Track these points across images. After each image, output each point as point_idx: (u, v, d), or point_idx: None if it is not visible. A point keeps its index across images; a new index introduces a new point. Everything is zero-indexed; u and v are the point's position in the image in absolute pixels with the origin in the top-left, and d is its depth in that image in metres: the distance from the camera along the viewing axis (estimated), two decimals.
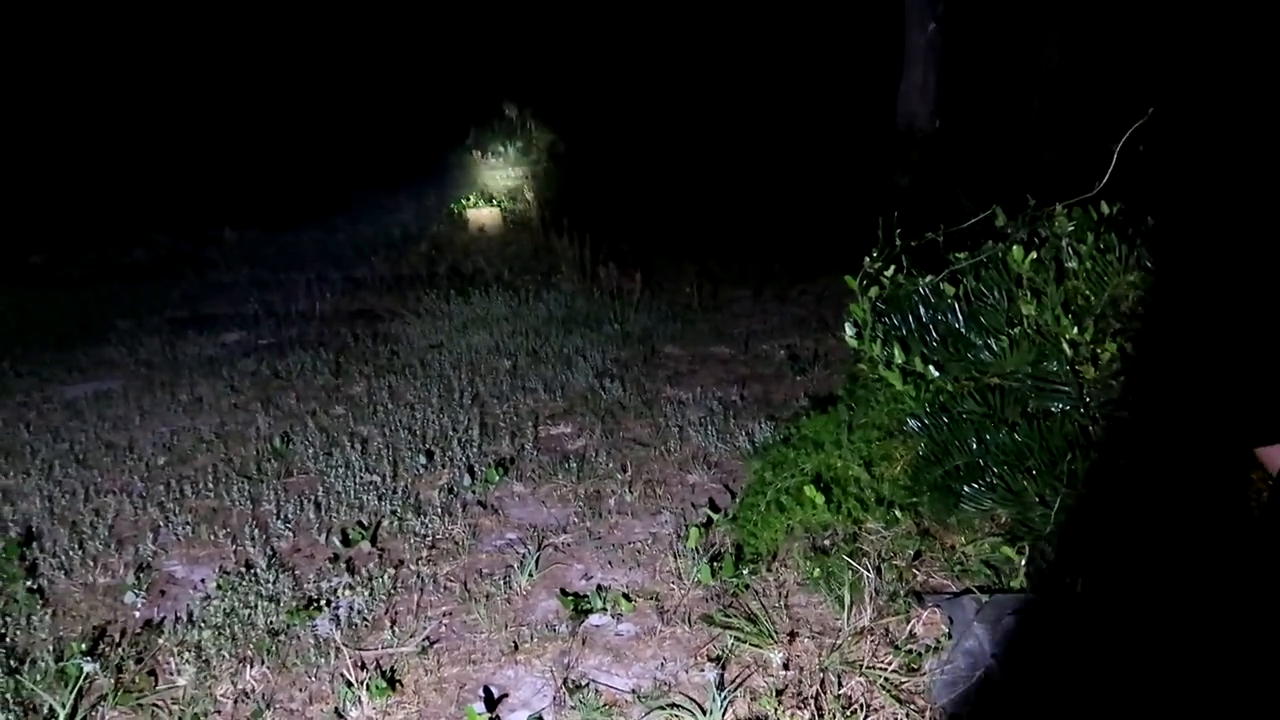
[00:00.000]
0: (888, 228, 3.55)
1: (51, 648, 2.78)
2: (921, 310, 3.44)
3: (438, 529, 3.58)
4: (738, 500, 3.56)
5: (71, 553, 3.39)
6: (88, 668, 2.44)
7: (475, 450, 4.34)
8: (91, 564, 3.35)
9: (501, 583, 3.17)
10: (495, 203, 11.29)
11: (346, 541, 3.47)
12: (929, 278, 3.47)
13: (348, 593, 3.07)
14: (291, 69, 14.71)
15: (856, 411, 3.53)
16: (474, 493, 3.92)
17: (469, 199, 11.37)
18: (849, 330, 3.48)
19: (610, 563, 3.31)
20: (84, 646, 2.75)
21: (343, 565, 3.30)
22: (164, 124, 14.00)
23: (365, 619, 2.97)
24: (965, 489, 3.04)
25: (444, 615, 3.00)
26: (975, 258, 3.43)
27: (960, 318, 3.34)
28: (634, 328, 6.51)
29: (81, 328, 7.00)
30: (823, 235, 7.97)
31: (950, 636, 2.60)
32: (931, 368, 3.27)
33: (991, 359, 3.23)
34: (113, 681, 2.61)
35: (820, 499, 3.13)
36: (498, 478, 4.03)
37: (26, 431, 4.70)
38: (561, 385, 5.31)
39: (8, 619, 2.94)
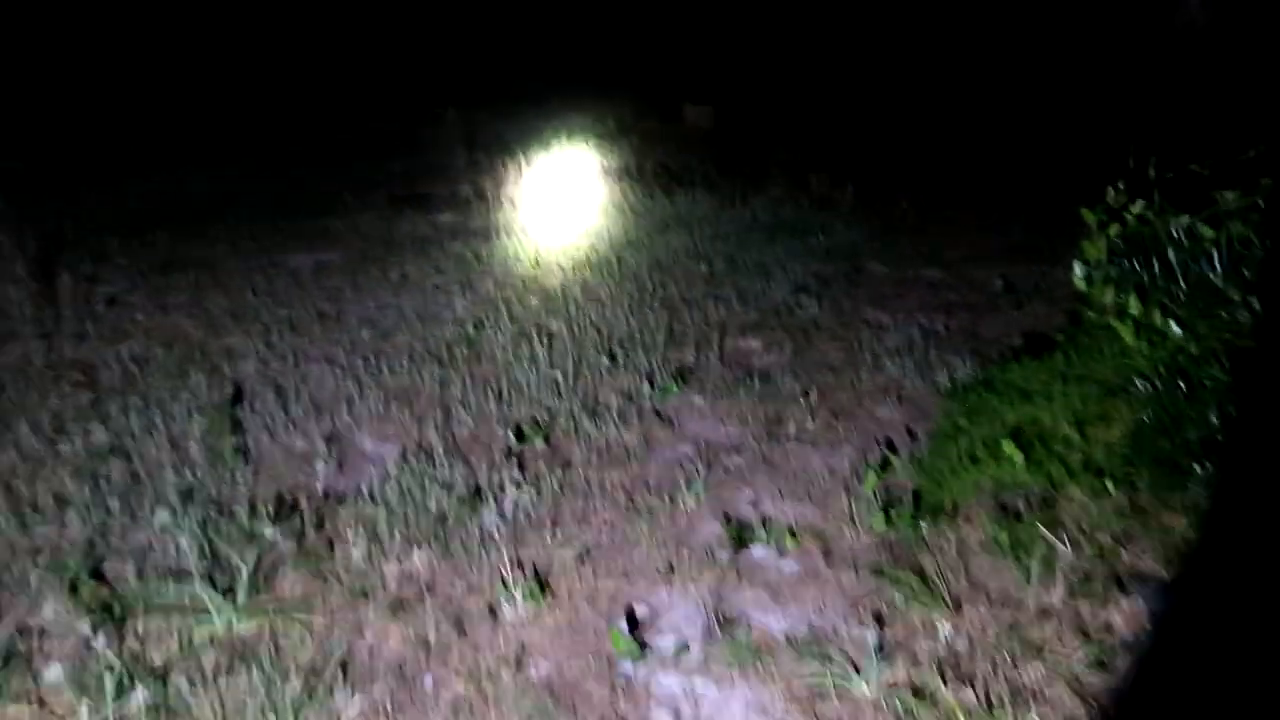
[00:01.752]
0: (1140, 153, 3.08)
1: (246, 505, 2.99)
2: (1171, 255, 2.98)
3: (611, 434, 3.55)
4: (926, 444, 3.30)
5: (276, 416, 3.62)
6: (270, 533, 2.59)
7: (659, 356, 4.26)
8: (291, 428, 3.56)
9: (667, 498, 3.10)
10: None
11: (521, 437, 3.51)
12: (1185, 217, 3.00)
13: (515, 489, 3.10)
14: None
15: (1075, 361, 3.15)
16: (652, 400, 3.85)
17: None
18: (1077, 271, 3.08)
19: (780, 492, 3.17)
20: (271, 510, 2.93)
21: (514, 460, 3.34)
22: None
23: (529, 517, 2.99)
24: (1197, 467, 2.65)
25: (605, 524, 2.98)
26: (1248, 199, 2.91)
27: (1218, 268, 2.87)
28: (839, 241, 6.17)
29: (313, 200, 7.43)
30: (1067, 155, 7.19)
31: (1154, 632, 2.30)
32: (1173, 323, 2.84)
33: (1250, 319, 2.76)
34: (294, 545, 2.77)
35: (1019, 457, 2.83)
36: (677, 388, 3.94)
37: (253, 295, 5.05)
38: (756, 296, 5.12)
39: (215, 472, 3.17)
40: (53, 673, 2.05)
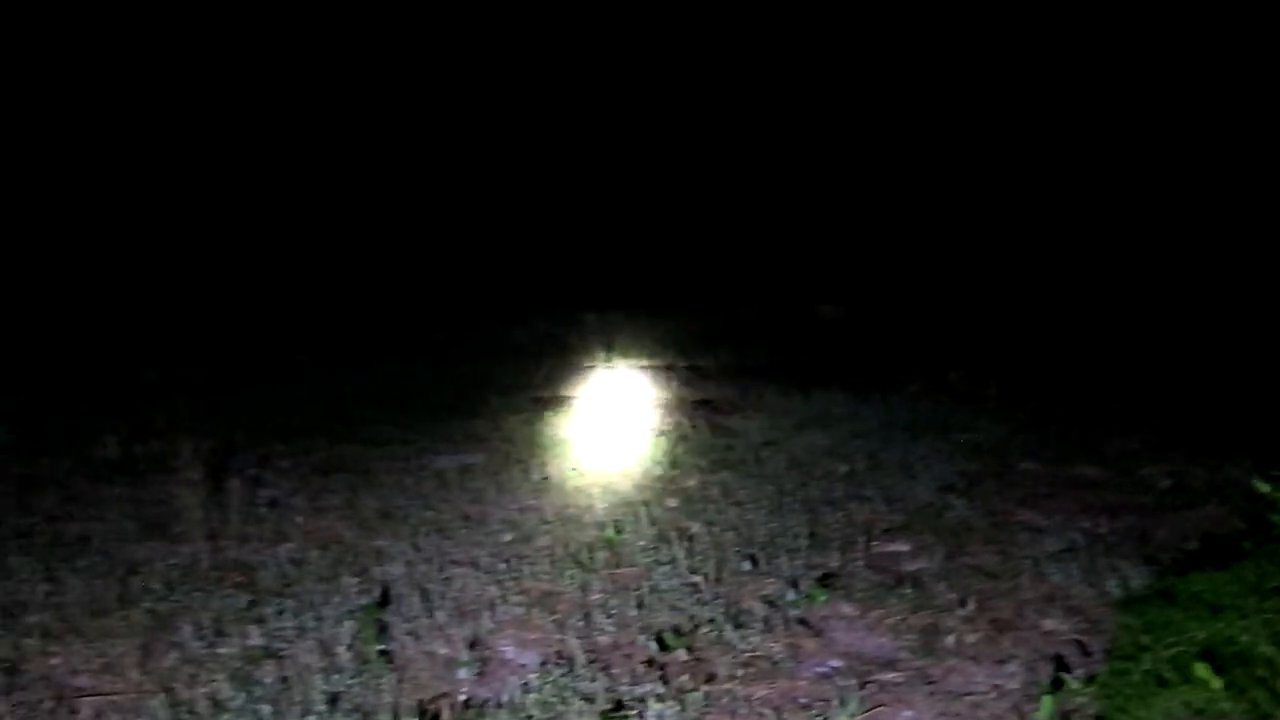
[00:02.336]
0: None
1: (391, 713, 2.97)
2: None
3: (756, 644, 3.41)
4: (1103, 662, 3.03)
5: (420, 620, 3.65)
6: None
7: (801, 561, 4.13)
8: (435, 633, 3.58)
9: (819, 718, 2.91)
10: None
11: (663, 646, 3.41)
12: None
13: (657, 703, 2.98)
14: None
15: (1269, 572, 2.88)
16: (796, 608, 3.70)
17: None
18: (1263, 487, 2.86)
19: (944, 715, 2.93)
20: None
21: (657, 671, 3.23)
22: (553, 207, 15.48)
23: None
24: None
25: None
26: None
27: None
28: (985, 438, 5.98)
29: (460, 401, 7.79)
30: (1232, 335, 6.87)
31: None
32: None
33: None
34: None
35: (1216, 681, 2.55)
36: (823, 595, 3.79)
37: (402, 497, 5.23)
38: (900, 497, 4.96)
39: (360, 678, 3.19)
40: None
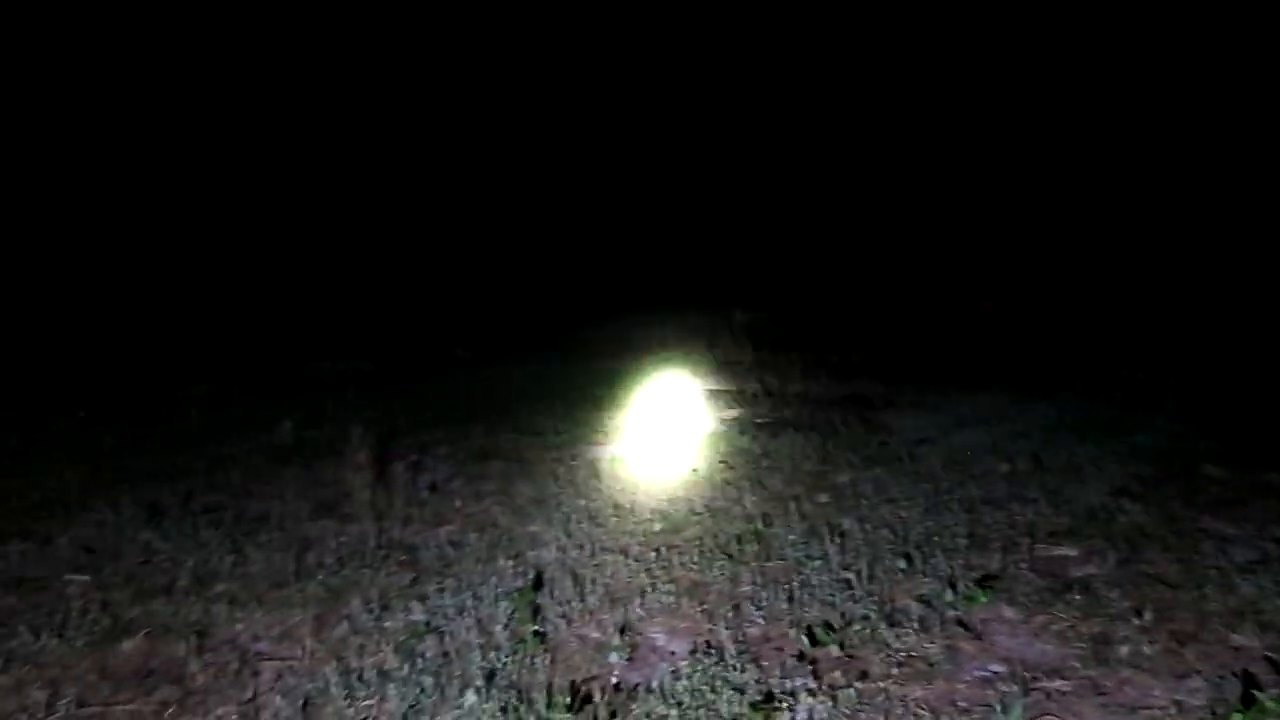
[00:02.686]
0: None
1: (544, 693, 3.04)
2: None
3: (911, 644, 3.30)
4: None
5: (573, 604, 3.72)
6: None
7: (960, 561, 3.98)
8: (587, 617, 3.64)
9: None
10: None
11: (814, 640, 3.35)
12: None
13: (809, 697, 2.93)
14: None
15: None
16: (955, 609, 3.56)
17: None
18: None
19: None
20: (566, 699, 2.95)
21: (808, 666, 3.17)
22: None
23: None
24: None
25: None
26: None
27: None
28: (1163, 439, 5.59)
29: (610, 394, 7.91)
30: None
31: None
32: None
33: None
34: None
35: None
36: (984, 597, 3.63)
37: (555, 484, 5.35)
38: (1068, 499, 4.70)
39: (516, 657, 3.28)
40: None
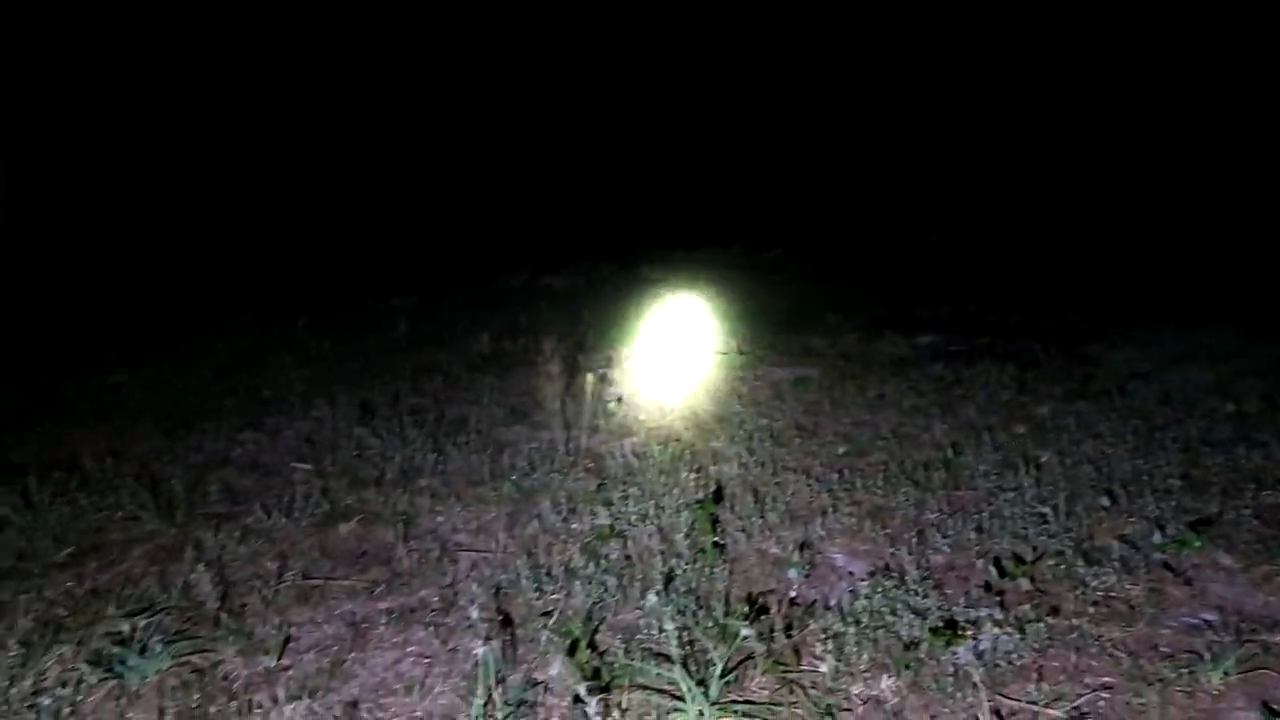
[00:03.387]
0: None
1: (722, 601, 3.10)
2: None
3: (1110, 584, 3.12)
4: None
5: (752, 518, 3.75)
6: (746, 632, 2.64)
7: (1172, 503, 3.70)
8: (766, 533, 3.66)
9: (1184, 671, 2.62)
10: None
11: (1003, 572, 3.23)
12: None
13: (995, 628, 2.84)
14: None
15: None
16: (1162, 552, 3.33)
17: None
18: None
19: None
20: (744, 609, 3.00)
21: (995, 597, 3.07)
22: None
23: (1010, 663, 2.71)
24: None
25: (1102, 687, 2.59)
26: None
27: None
28: None
29: (796, 317, 7.80)
30: None
31: None
32: None
33: None
34: (764, 648, 2.80)
35: None
36: (1197, 542, 3.37)
37: (739, 404, 5.36)
38: None
39: (695, 566, 3.35)
40: None
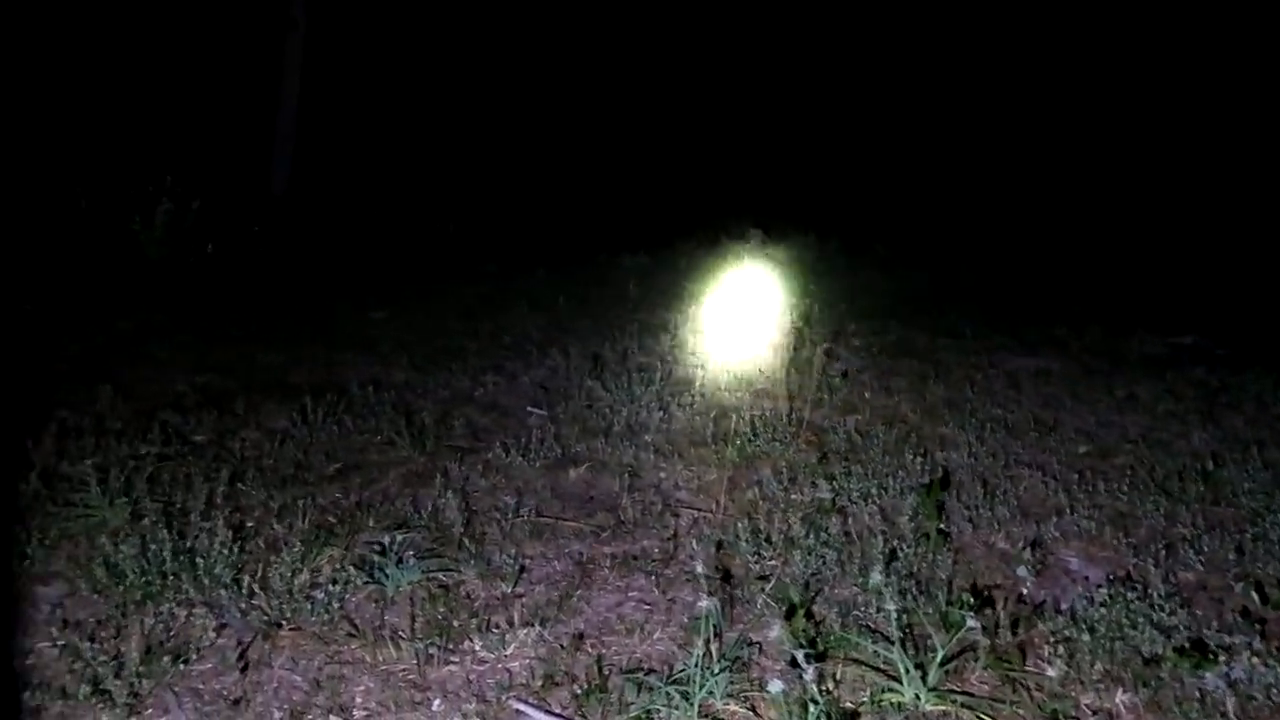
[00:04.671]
0: None
1: (944, 589, 3.03)
2: None
3: None
4: None
5: (980, 510, 3.62)
6: (971, 622, 2.57)
7: None
8: (995, 526, 3.53)
9: None
10: None
11: (1265, 599, 2.96)
12: None
13: (1251, 657, 2.61)
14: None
15: None
16: None
17: None
18: None
19: None
20: (971, 600, 2.92)
21: (1254, 624, 2.82)
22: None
23: (1269, 697, 2.49)
24: None
25: None
26: None
27: None
28: None
29: (1042, 306, 7.37)
30: None
31: None
32: None
33: None
34: (987, 642, 2.72)
35: None
36: None
37: (970, 390, 5.16)
38: None
39: (917, 550, 3.29)
40: (775, 687, 2.30)
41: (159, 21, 11.82)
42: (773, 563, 3.25)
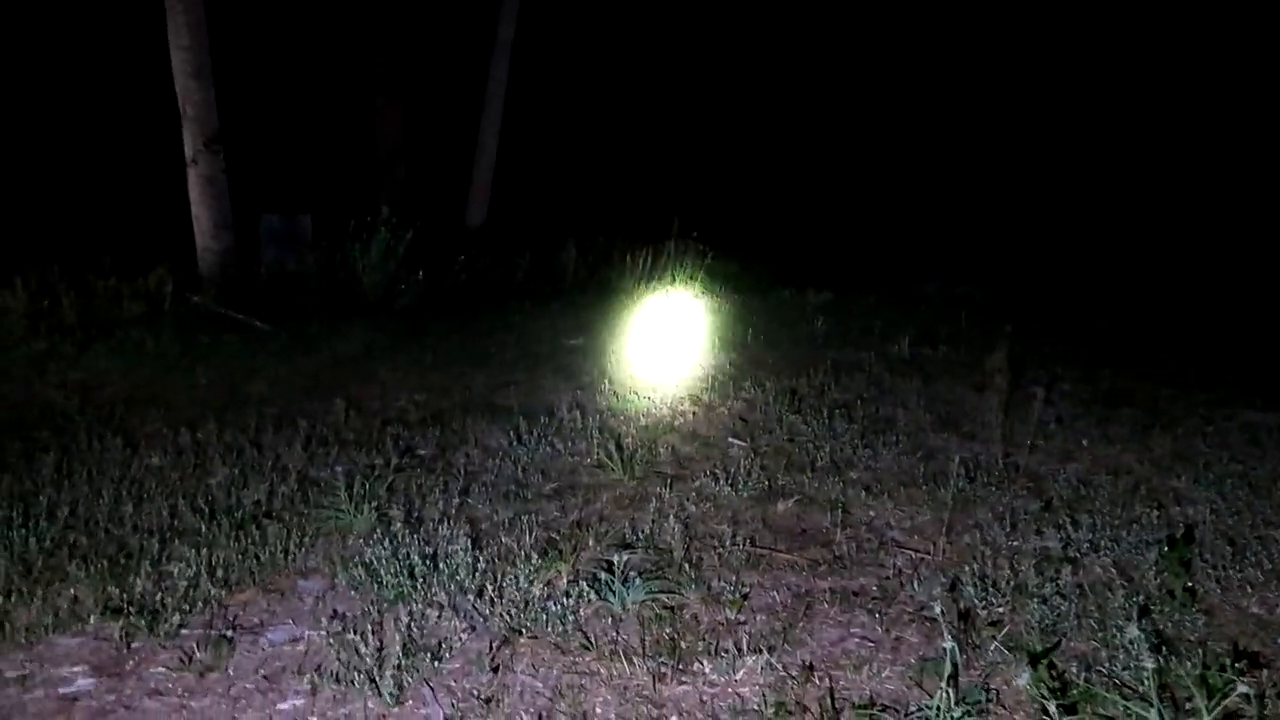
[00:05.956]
0: None
1: (1200, 648, 2.85)
2: None
3: None
4: None
5: (1229, 570, 3.39)
6: (1242, 688, 2.40)
7: None
8: (1248, 589, 3.29)
9: None
10: None
11: None
12: None
13: None
14: None
15: None
16: None
17: None
18: None
19: None
20: (1231, 662, 2.73)
21: None
22: None
23: None
24: None
25: None
26: None
27: None
28: None
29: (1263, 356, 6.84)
30: None
31: None
32: None
33: None
34: (1255, 712, 2.53)
35: None
36: None
37: (1202, 443, 4.84)
38: None
39: (1161, 606, 3.11)
40: None
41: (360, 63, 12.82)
42: (1000, 609, 3.15)
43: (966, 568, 3.37)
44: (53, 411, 5.07)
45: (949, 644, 2.49)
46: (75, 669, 2.73)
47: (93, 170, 12.37)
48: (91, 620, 2.97)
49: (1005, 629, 2.99)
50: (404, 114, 12.99)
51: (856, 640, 3.01)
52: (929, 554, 3.62)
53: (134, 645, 2.86)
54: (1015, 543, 3.67)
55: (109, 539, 3.54)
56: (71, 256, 7.94)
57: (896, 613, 3.17)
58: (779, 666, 2.82)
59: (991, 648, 2.89)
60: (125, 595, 3.07)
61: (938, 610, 2.70)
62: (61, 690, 2.64)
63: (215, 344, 6.78)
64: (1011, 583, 3.27)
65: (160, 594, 3.10)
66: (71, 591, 3.12)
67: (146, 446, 4.51)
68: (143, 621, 2.93)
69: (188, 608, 3.05)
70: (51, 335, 6.65)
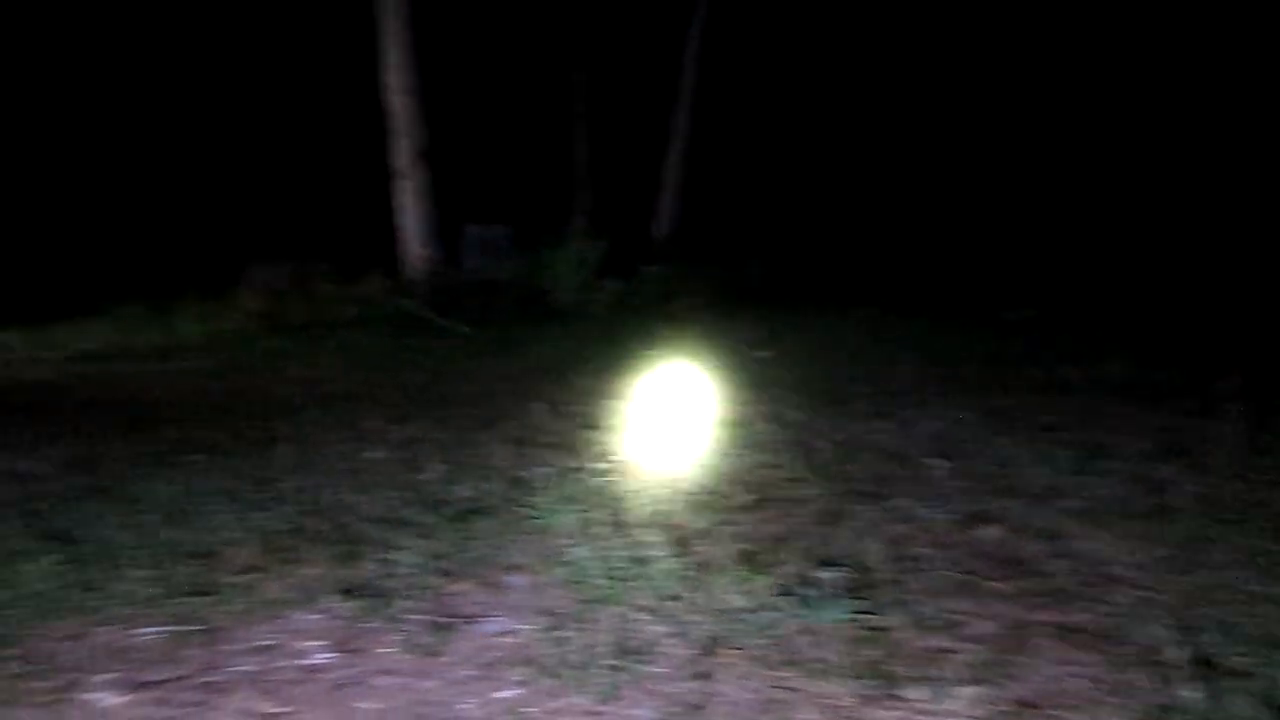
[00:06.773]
0: None
1: None
2: None
3: None
4: None
5: None
6: None
7: None
8: None
9: None
10: None
11: None
12: None
13: None
14: None
15: None
16: None
17: None
18: None
19: None
20: None
21: None
22: None
23: None
24: None
25: None
26: None
27: None
28: None
29: None
30: None
31: None
32: None
33: None
34: None
35: None
36: None
37: None
38: None
39: None
40: None
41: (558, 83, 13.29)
42: (1246, 659, 2.88)
43: (1203, 608, 3.11)
44: (288, 404, 5.53)
45: (1195, 693, 2.31)
46: (314, 643, 2.95)
47: (308, 181, 13.44)
48: (325, 600, 3.21)
49: (1257, 680, 2.74)
50: (597, 128, 13.40)
51: (1077, 679, 2.83)
52: (1158, 592, 3.36)
53: (364, 625, 3.06)
54: (1255, 587, 3.36)
55: (337, 526, 3.81)
56: (295, 262, 8.65)
57: (1124, 652, 2.96)
58: (993, 700, 2.70)
59: (1240, 700, 2.66)
60: (355, 578, 3.30)
61: (1169, 654, 2.51)
62: (301, 662, 2.86)
63: (422, 346, 7.20)
64: (1260, 631, 3.00)
65: (386, 579, 3.31)
66: (307, 571, 3.39)
67: (368, 440, 4.84)
68: (371, 604, 3.14)
69: (410, 594, 3.24)
70: (281, 333, 7.26)
